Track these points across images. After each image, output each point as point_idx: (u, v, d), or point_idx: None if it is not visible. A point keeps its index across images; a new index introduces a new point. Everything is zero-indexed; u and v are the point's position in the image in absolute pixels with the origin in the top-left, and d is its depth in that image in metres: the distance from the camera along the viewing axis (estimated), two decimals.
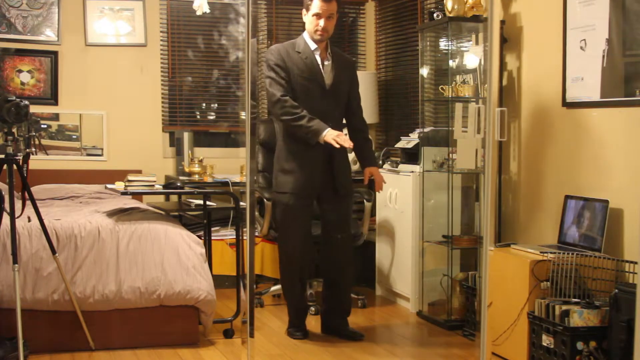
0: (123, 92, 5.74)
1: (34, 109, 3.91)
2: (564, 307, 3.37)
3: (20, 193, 3.72)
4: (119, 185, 4.25)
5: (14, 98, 3.52)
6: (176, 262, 3.95)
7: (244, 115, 2.98)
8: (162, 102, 5.87)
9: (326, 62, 4.13)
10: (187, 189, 4.56)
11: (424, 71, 4.84)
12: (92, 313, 3.85)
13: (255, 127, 4.86)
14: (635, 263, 3.45)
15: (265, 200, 4.59)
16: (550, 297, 3.52)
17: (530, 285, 3.56)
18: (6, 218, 3.49)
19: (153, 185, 4.24)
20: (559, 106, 4.08)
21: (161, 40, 5.84)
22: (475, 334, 4.06)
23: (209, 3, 4.98)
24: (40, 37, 5.57)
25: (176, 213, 4.89)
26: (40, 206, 3.83)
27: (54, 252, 3.70)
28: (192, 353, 3.89)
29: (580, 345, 3.30)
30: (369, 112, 5.47)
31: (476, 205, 4.65)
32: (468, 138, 4.29)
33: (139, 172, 5.39)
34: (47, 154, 5.55)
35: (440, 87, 4.66)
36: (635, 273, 3.43)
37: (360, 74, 4.48)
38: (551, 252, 3.61)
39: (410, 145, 4.91)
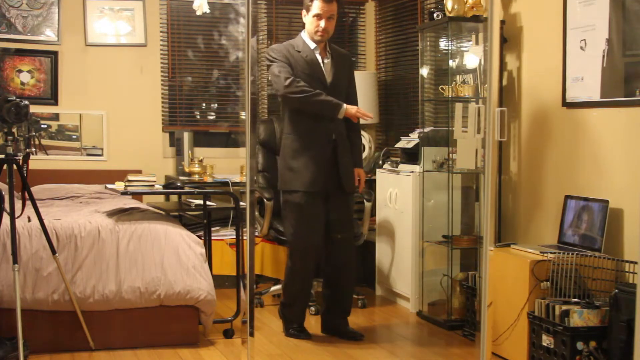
0: (123, 92, 5.73)
1: (34, 109, 3.91)
2: (564, 307, 3.37)
3: (20, 193, 3.72)
4: (119, 185, 4.25)
5: (14, 98, 3.52)
6: (176, 262, 3.95)
7: (244, 115, 2.98)
8: (162, 102, 5.86)
9: (326, 60, 4.15)
10: (187, 189, 4.56)
11: (424, 71, 4.84)
12: (92, 313, 3.85)
13: (256, 127, 4.86)
14: (635, 263, 3.45)
15: (265, 200, 4.59)
16: (550, 297, 3.52)
17: (530, 285, 3.56)
18: (6, 218, 3.49)
19: (153, 185, 4.25)
20: (559, 106, 4.07)
21: (161, 40, 5.84)
22: (475, 334, 4.05)
23: (209, 3, 4.98)
24: (40, 37, 5.57)
25: (176, 213, 4.89)
26: (40, 206, 3.83)
27: (54, 252, 3.70)
28: (192, 353, 3.89)
29: (580, 345, 3.30)
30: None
31: (476, 205, 4.64)
32: (468, 138, 4.29)
33: (139, 172, 5.39)
34: (47, 154, 5.54)
35: (440, 87, 4.66)
36: (635, 273, 3.43)
37: (360, 74, 4.49)
38: (551, 252, 3.61)
39: (410, 145, 4.90)
